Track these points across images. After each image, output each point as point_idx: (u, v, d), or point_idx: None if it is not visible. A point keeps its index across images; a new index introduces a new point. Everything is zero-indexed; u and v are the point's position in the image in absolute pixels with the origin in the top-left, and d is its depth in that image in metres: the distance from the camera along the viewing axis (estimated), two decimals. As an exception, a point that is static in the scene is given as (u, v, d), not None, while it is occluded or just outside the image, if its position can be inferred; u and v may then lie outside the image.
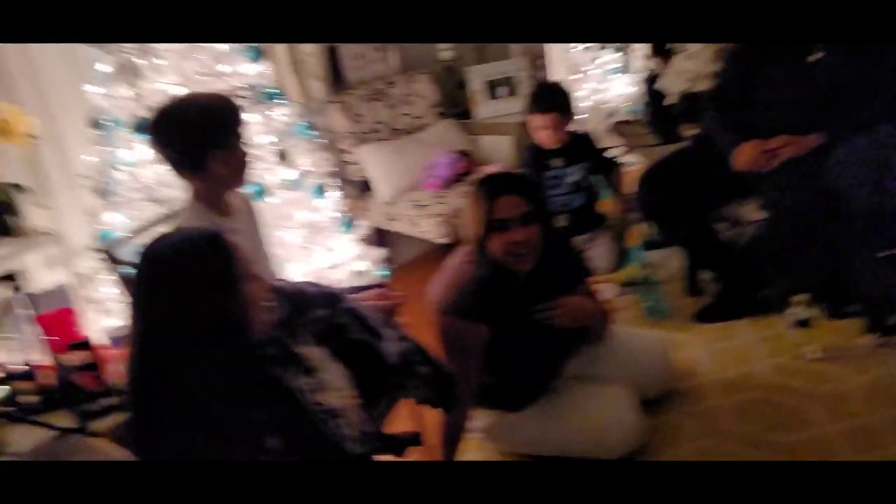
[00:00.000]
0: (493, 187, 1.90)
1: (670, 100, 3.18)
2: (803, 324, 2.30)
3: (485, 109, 3.94)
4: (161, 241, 1.38)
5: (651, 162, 2.76)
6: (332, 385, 1.47)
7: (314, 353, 1.50)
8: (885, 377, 2.14)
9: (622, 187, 2.94)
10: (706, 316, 2.61)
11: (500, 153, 3.71)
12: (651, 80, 3.37)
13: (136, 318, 1.35)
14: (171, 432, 1.33)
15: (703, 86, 2.92)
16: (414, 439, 1.71)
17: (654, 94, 3.34)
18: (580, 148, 2.87)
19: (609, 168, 2.94)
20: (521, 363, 2.00)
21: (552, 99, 2.79)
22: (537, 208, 1.90)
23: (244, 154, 1.87)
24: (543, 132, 2.78)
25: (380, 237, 3.41)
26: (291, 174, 2.61)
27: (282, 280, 1.91)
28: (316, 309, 1.58)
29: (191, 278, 1.31)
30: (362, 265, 2.80)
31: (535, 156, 2.85)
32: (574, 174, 2.84)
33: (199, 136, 1.77)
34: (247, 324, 1.36)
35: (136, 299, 1.36)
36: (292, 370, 1.44)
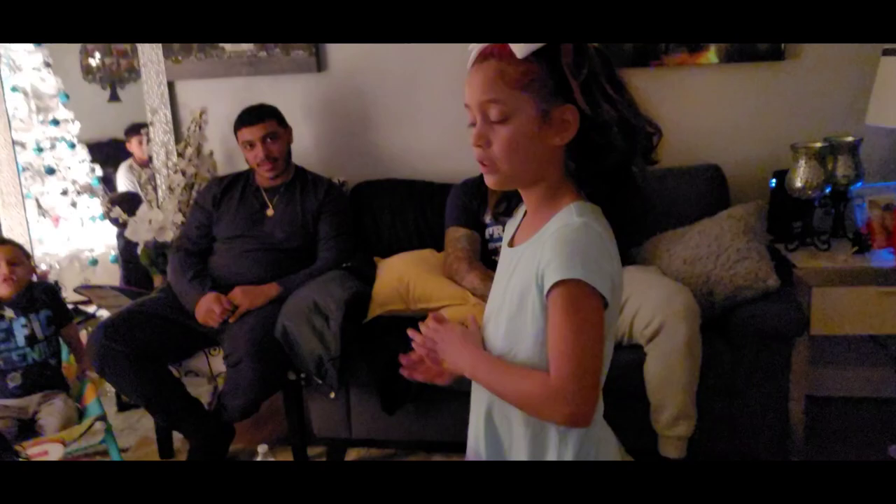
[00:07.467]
0: None
1: (139, 249, 2.99)
2: None
3: None
4: None
5: (112, 314, 2.56)
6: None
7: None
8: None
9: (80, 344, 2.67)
10: None
11: None
12: (123, 226, 3.06)
13: None
14: None
15: (169, 235, 2.88)
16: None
17: (126, 243, 3.10)
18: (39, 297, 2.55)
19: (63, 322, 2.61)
20: None
21: None
22: None
23: None
24: None
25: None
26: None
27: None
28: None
29: None
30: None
31: None
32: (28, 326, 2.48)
33: None
34: None
35: None
36: None
